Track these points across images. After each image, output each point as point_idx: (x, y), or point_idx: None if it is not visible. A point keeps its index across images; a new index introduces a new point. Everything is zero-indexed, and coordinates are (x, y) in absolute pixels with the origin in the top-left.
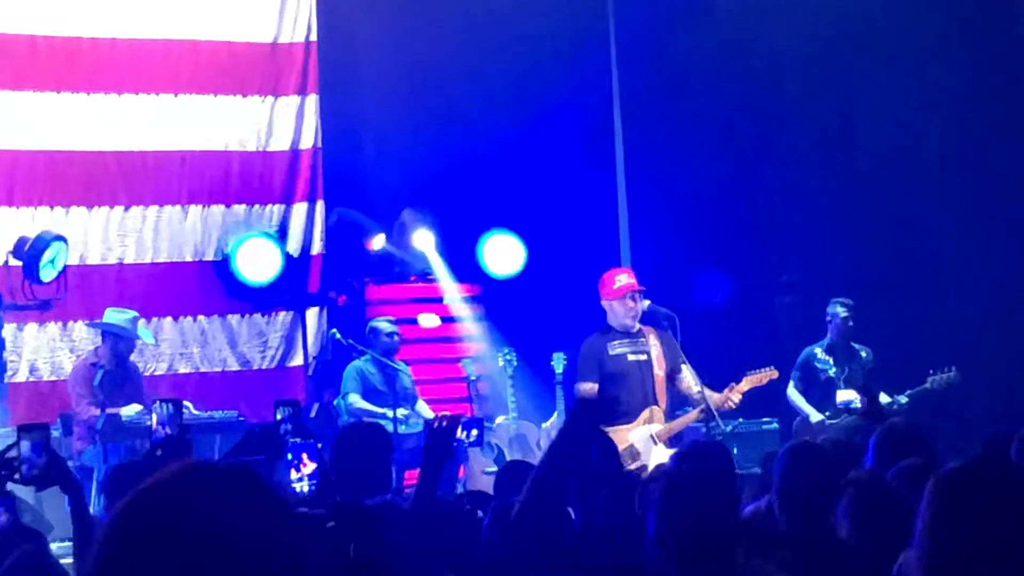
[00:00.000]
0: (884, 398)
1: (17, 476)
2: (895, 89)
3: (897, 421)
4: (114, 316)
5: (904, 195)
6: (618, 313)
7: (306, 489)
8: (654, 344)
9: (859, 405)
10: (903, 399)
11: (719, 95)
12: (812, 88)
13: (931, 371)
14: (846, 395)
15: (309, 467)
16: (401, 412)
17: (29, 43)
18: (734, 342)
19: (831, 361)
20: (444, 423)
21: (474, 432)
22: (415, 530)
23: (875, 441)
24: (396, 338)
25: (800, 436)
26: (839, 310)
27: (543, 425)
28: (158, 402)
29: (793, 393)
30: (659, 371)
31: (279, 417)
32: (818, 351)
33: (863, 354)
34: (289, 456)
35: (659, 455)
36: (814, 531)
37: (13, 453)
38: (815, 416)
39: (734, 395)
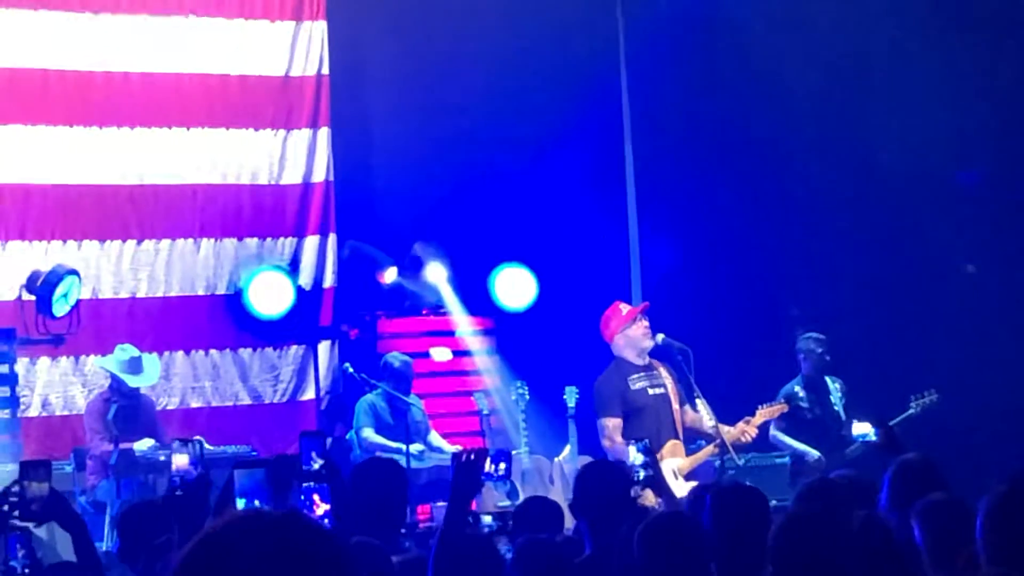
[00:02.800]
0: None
1: (16, 513)
2: (904, 125)
3: (911, 456)
4: (117, 355)
5: (885, 222)
6: (635, 338)
7: None
8: (666, 377)
9: (874, 438)
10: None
11: (731, 127)
12: (828, 119)
13: (912, 396)
14: (861, 428)
15: (321, 508)
16: (415, 448)
17: (41, 77)
18: (745, 375)
19: (813, 398)
20: (472, 456)
21: (502, 465)
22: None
23: (889, 476)
24: (409, 368)
25: (801, 476)
26: (814, 345)
27: (555, 459)
28: (177, 441)
29: (779, 434)
30: (675, 404)
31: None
32: (797, 389)
33: (836, 386)
34: (301, 498)
35: (681, 489)
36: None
37: (16, 490)
38: (813, 453)
39: (750, 428)
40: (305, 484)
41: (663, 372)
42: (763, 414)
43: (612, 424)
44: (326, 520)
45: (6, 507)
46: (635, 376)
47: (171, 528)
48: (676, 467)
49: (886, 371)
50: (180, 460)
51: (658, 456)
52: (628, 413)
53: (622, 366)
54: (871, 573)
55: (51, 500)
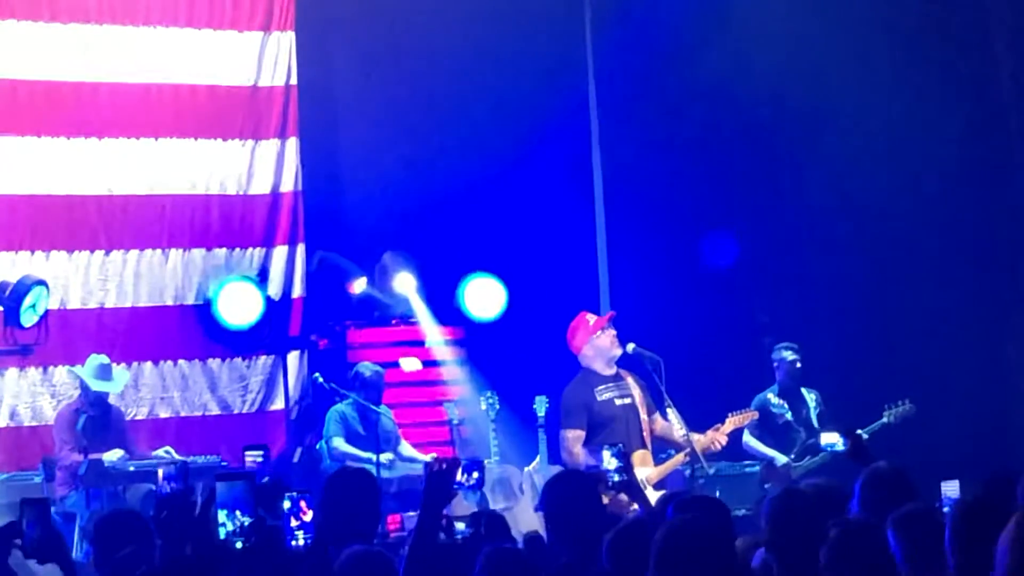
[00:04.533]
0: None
1: (19, 543)
2: (874, 131)
3: (881, 465)
4: (89, 363)
5: (862, 235)
6: (603, 347)
7: (301, 542)
8: (634, 387)
9: (842, 448)
10: (864, 435)
11: (700, 133)
12: (799, 126)
13: (886, 405)
14: (829, 438)
15: (308, 515)
16: (385, 457)
17: (9, 87)
18: (716, 384)
19: (786, 405)
20: (444, 466)
21: (475, 475)
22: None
23: (860, 485)
24: (380, 378)
25: (770, 481)
26: (786, 355)
27: (526, 469)
28: (168, 464)
29: (751, 440)
30: (644, 414)
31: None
32: (771, 396)
33: (812, 396)
34: (288, 504)
35: (650, 499)
36: None
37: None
38: (781, 459)
39: (720, 436)
40: (289, 493)
41: (631, 382)
42: (733, 421)
43: (572, 436)
44: (309, 533)
45: (6, 544)
46: (602, 387)
47: (141, 539)
48: (645, 477)
49: (860, 381)
50: (160, 476)
51: None
52: (595, 424)
53: (589, 377)
54: None
55: (52, 539)
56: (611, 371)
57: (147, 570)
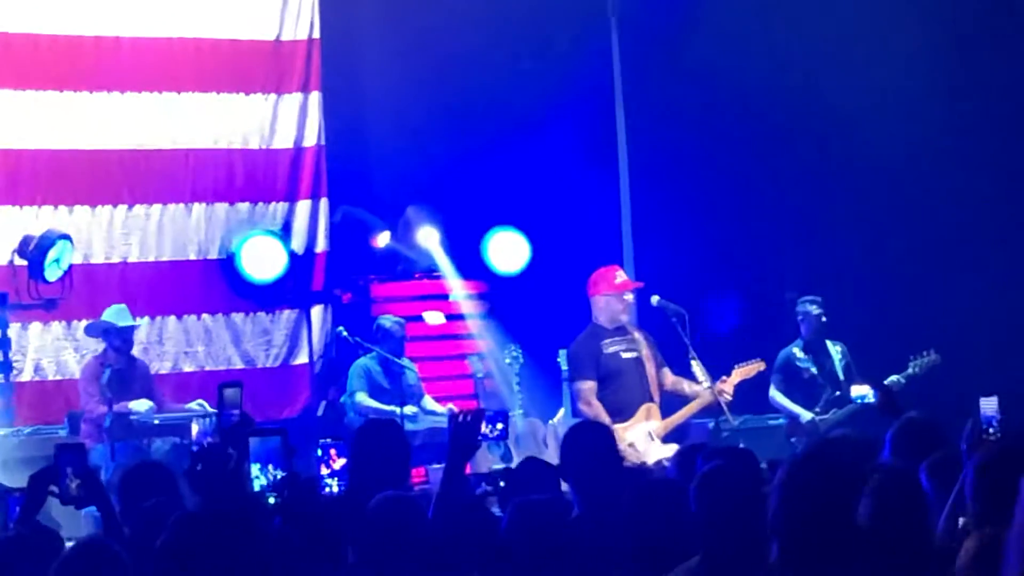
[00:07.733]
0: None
1: (56, 491)
2: (893, 91)
3: (914, 415)
4: (104, 313)
5: (885, 189)
6: (614, 309)
7: (336, 489)
8: (641, 342)
9: (872, 400)
10: (902, 380)
11: (722, 92)
12: (824, 81)
13: (911, 356)
14: (860, 390)
15: (339, 463)
16: (409, 410)
17: (31, 42)
18: (738, 337)
19: (811, 359)
20: (468, 417)
21: (499, 426)
22: (434, 525)
23: (892, 435)
24: (402, 329)
25: (796, 435)
26: (811, 308)
27: (550, 421)
28: (202, 418)
29: (776, 395)
30: (651, 369)
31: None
32: (796, 351)
33: (837, 349)
34: (319, 452)
35: (657, 451)
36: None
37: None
38: (805, 415)
39: (727, 387)
40: (323, 440)
41: (637, 337)
42: (739, 373)
43: (587, 387)
44: (343, 480)
45: (42, 490)
46: (608, 340)
47: (167, 491)
48: (651, 430)
49: (888, 332)
50: (194, 431)
51: (632, 419)
52: (602, 376)
53: (596, 330)
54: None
55: (90, 483)
56: (622, 323)
57: (179, 516)
